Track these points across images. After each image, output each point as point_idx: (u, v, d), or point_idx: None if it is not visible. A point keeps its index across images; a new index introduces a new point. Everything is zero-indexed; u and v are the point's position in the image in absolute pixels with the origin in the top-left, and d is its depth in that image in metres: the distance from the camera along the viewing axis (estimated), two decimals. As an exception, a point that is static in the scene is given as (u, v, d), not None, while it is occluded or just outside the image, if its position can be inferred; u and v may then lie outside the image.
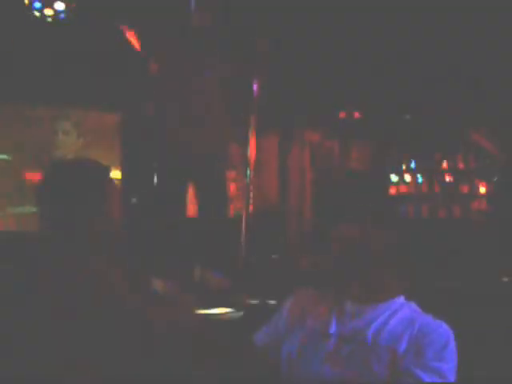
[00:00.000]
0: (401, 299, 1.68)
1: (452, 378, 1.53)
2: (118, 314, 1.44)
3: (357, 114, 6.33)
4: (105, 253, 1.53)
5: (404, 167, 6.81)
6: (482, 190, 6.48)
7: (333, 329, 1.64)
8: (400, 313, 1.64)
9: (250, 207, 4.15)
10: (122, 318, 1.45)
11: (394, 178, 6.77)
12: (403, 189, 6.74)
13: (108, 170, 1.62)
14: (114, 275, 1.49)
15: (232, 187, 5.30)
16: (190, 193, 3.80)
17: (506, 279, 3.91)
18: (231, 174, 5.30)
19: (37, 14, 4.51)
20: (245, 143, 4.22)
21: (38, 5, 4.48)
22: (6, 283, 1.49)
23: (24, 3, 4.48)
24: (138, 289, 1.59)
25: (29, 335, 1.42)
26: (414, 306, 1.68)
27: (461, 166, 6.63)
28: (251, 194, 4.14)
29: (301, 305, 1.78)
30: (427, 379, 1.51)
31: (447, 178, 6.68)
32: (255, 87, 4.25)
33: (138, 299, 1.50)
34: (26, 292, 1.45)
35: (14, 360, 1.41)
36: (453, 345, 1.57)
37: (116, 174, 5.44)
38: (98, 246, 1.52)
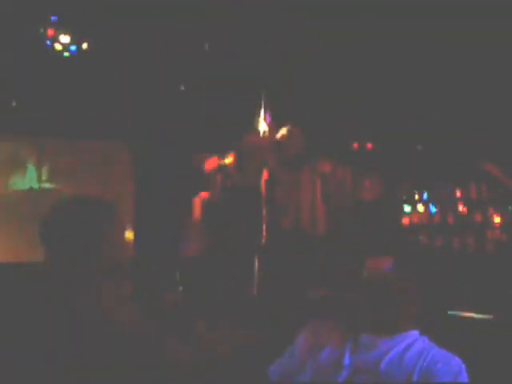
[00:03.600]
0: (415, 333, 1.67)
1: None
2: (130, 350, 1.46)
3: (369, 145, 6.35)
4: (109, 289, 1.55)
5: (417, 197, 6.79)
6: (497, 219, 6.43)
7: (346, 360, 1.64)
8: (414, 346, 1.63)
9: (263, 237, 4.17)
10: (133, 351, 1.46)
11: (406, 208, 6.75)
12: (416, 219, 6.71)
13: (111, 208, 1.64)
14: (120, 310, 1.53)
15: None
16: None
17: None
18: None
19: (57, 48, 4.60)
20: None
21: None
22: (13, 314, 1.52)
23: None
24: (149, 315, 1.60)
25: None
26: (427, 340, 1.67)
27: (474, 195, 6.60)
28: (264, 225, 4.16)
29: (314, 336, 1.77)
30: None
31: (460, 208, 6.65)
32: (268, 118, 4.31)
33: (150, 328, 1.52)
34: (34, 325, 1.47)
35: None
36: (463, 379, 1.55)
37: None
38: (101, 281, 1.55)
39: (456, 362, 1.59)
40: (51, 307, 1.49)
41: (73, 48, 4.76)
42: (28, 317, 1.49)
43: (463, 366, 1.58)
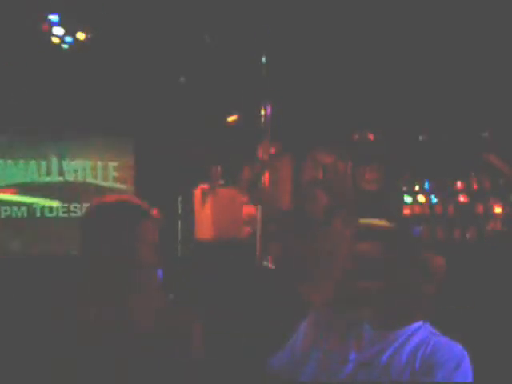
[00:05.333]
0: (418, 323, 1.66)
1: None
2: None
3: (370, 136, 6.34)
4: (136, 287, 1.61)
5: (418, 188, 6.79)
6: (498, 210, 6.43)
7: (352, 355, 1.63)
8: (416, 336, 1.62)
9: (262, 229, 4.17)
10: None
11: (407, 198, 6.75)
12: (417, 210, 6.71)
13: (146, 210, 1.68)
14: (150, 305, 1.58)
15: (245, 210, 5.30)
16: None
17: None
18: (243, 197, 5.33)
19: (55, 40, 4.58)
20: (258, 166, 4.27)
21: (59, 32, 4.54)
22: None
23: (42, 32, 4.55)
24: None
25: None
26: (430, 327, 1.66)
27: (475, 186, 6.59)
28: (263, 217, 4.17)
29: (317, 327, 1.76)
30: None
31: (461, 199, 6.65)
32: (268, 110, 4.31)
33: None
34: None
35: None
36: (466, 366, 1.55)
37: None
38: (132, 281, 1.60)
39: (458, 349, 1.58)
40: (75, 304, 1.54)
41: (69, 40, 4.72)
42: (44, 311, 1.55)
43: (465, 353, 1.57)
